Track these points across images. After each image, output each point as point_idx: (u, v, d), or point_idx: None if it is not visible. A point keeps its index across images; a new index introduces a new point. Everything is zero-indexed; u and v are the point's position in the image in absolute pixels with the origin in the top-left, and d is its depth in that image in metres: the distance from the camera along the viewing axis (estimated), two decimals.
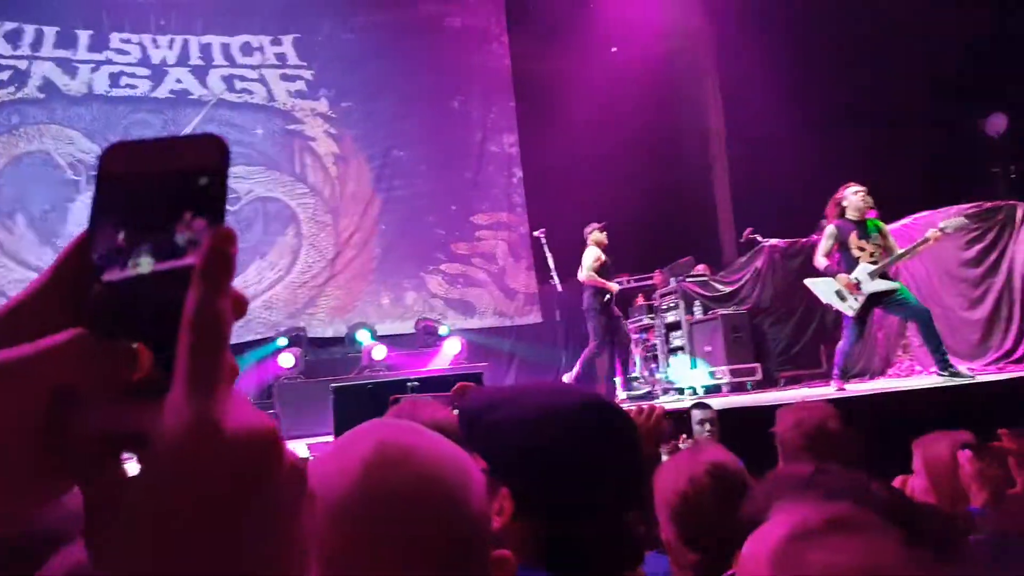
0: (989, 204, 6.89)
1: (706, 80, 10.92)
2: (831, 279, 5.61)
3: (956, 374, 5.48)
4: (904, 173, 5.69)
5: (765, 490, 1.15)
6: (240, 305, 0.35)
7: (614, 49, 10.74)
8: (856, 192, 5.65)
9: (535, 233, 8.60)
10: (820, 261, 5.74)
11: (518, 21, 10.59)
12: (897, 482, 2.33)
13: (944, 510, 2.13)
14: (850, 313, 5.58)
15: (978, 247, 6.69)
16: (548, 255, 8.20)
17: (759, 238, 8.17)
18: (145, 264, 0.34)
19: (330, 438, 5.18)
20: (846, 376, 5.86)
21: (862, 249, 5.55)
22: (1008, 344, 6.44)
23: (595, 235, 7.54)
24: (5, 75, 9.10)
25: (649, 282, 9.34)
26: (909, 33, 8.63)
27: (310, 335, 9.32)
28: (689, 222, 10.79)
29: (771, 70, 9.15)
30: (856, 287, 5.53)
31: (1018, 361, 6.17)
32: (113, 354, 0.32)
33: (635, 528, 1.09)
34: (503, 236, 10.41)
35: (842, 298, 5.59)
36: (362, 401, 4.79)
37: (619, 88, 10.07)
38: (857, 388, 6.15)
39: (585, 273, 7.47)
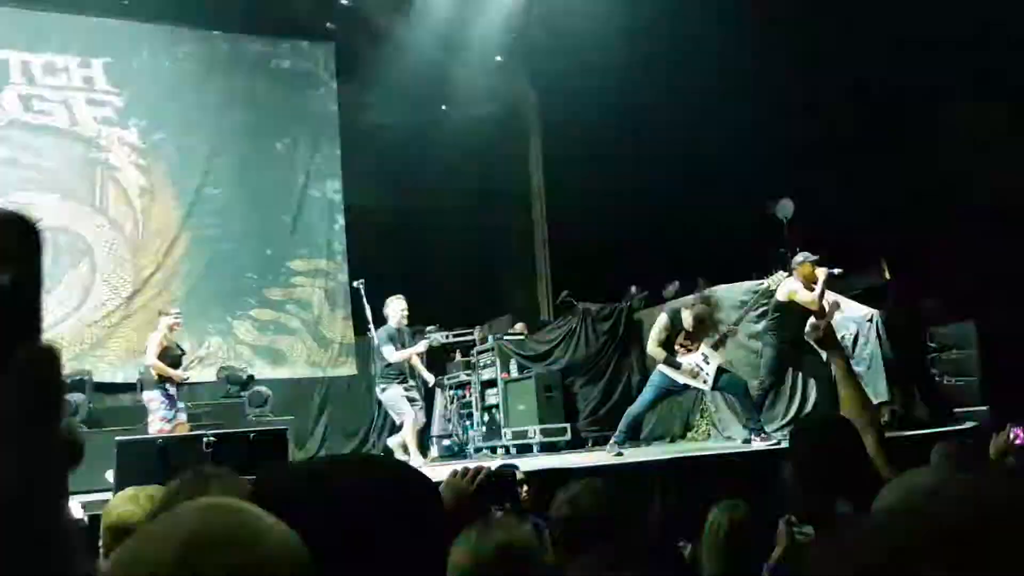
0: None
1: (530, 143, 11.32)
2: (678, 372, 6.06)
3: (769, 438, 6.05)
4: (707, 253, 6.18)
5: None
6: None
7: (444, 107, 10.90)
8: (689, 309, 6.17)
9: (354, 283, 8.37)
10: (656, 352, 6.16)
11: (349, 70, 10.48)
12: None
13: None
14: (706, 387, 6.06)
15: (766, 321, 7.29)
16: (367, 306, 7.99)
17: (574, 301, 8.49)
18: None
19: (109, 495, 4.65)
20: (625, 441, 6.18)
21: (682, 346, 6.09)
22: (793, 411, 7.00)
23: (803, 267, 6.21)
24: None
25: (468, 337, 9.38)
26: (720, 117, 9.45)
27: (96, 379, 8.46)
28: (509, 281, 11.01)
29: (589, 138, 9.62)
30: (698, 373, 6.03)
31: None
32: None
33: None
34: (320, 284, 10.08)
35: (694, 376, 6.06)
36: (150, 457, 4.34)
37: (447, 145, 10.20)
38: (659, 451, 6.43)
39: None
